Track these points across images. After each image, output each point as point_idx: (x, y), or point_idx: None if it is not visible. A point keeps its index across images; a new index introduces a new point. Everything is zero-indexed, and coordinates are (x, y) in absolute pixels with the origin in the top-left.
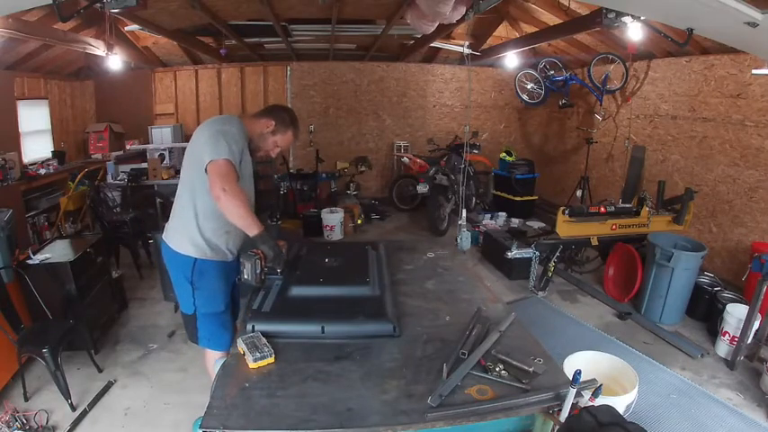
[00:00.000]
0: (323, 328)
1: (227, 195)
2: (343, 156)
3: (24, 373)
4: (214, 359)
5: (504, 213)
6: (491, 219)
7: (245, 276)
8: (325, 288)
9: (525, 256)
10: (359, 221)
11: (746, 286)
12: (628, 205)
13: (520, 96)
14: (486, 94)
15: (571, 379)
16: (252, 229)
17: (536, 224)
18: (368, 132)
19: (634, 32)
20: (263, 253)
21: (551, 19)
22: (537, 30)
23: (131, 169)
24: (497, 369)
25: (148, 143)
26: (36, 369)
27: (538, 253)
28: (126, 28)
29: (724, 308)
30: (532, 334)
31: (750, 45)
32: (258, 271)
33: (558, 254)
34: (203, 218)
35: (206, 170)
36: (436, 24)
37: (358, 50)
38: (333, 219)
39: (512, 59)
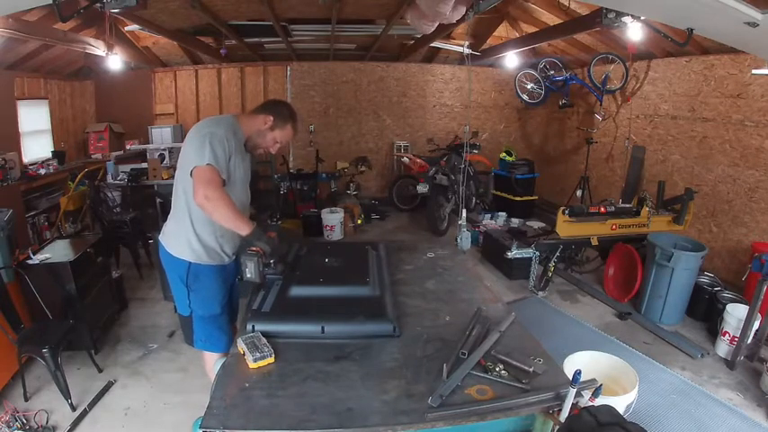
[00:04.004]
0: (323, 328)
1: (210, 202)
2: (343, 156)
3: (24, 373)
4: (212, 360)
5: (504, 213)
6: (491, 219)
7: (249, 275)
8: (325, 288)
9: (525, 256)
10: (359, 221)
11: (746, 286)
12: (628, 205)
13: (520, 96)
14: (486, 94)
15: (571, 379)
16: (242, 229)
17: (536, 224)
18: (368, 132)
19: (634, 32)
20: (261, 249)
21: (551, 19)
22: (537, 30)
23: (131, 169)
24: (497, 369)
25: (148, 143)
26: (36, 369)
27: (538, 253)
28: (126, 28)
29: (724, 308)
30: (532, 334)
31: (750, 45)
32: (261, 269)
33: (558, 254)
34: (198, 222)
35: (191, 173)
36: (436, 24)
37: (358, 50)
38: (333, 219)
39: (512, 59)
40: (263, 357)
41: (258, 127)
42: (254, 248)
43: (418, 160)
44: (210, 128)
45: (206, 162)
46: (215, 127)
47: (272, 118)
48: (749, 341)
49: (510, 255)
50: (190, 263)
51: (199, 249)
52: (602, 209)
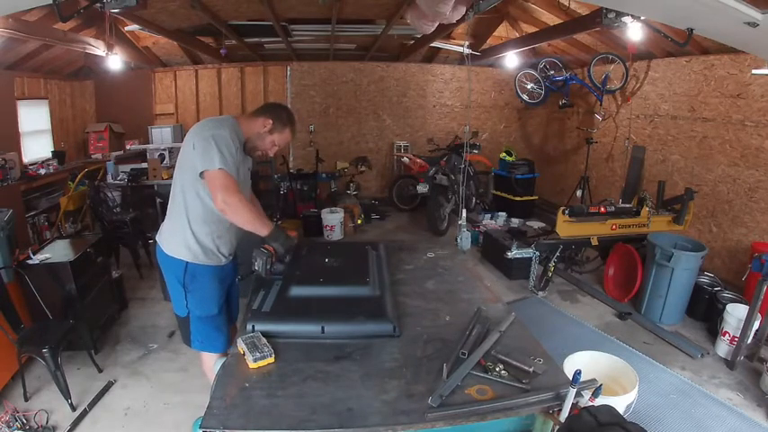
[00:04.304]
0: (323, 328)
1: (230, 207)
2: (343, 156)
3: (24, 373)
4: (210, 361)
5: (504, 213)
6: (491, 219)
7: (256, 269)
8: (326, 288)
9: (525, 256)
10: (359, 221)
11: (746, 286)
12: (628, 205)
13: (520, 96)
14: (486, 94)
15: (571, 379)
16: (261, 230)
17: (536, 224)
18: (368, 132)
19: (634, 32)
20: (274, 249)
21: (551, 19)
22: (537, 30)
23: (131, 169)
24: (497, 369)
25: (148, 143)
26: (36, 369)
27: (538, 253)
28: (126, 28)
29: (724, 308)
30: (532, 334)
31: (750, 45)
32: (269, 266)
33: (558, 254)
34: (195, 222)
35: (201, 176)
36: (436, 24)
37: (358, 50)
38: (333, 219)
39: (512, 59)
40: (263, 357)
41: (257, 129)
42: (267, 247)
43: (418, 160)
44: (214, 130)
45: (217, 166)
46: (219, 129)
47: (271, 121)
48: (749, 341)
49: (510, 255)
50: (187, 263)
51: (196, 249)
52: (602, 209)
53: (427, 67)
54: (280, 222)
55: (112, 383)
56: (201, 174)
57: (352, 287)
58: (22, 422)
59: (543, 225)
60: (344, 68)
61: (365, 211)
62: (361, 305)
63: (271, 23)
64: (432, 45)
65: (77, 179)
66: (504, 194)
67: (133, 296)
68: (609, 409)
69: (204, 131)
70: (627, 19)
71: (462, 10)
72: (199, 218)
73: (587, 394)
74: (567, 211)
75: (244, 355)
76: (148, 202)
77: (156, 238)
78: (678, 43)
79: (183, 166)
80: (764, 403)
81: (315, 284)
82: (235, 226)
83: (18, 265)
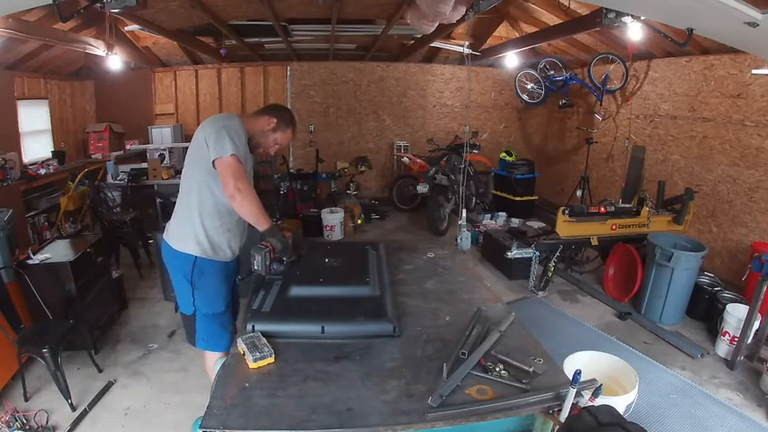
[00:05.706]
0: (323, 328)
1: (241, 195)
2: (343, 156)
3: (24, 373)
4: (213, 361)
5: (504, 213)
6: (491, 219)
7: (256, 267)
8: (326, 288)
9: (525, 256)
10: (359, 221)
11: (746, 286)
12: (628, 205)
13: (520, 96)
14: (486, 94)
15: (571, 379)
16: (262, 224)
17: (536, 224)
18: (368, 132)
19: (634, 32)
20: (272, 245)
21: (551, 19)
22: (537, 30)
23: (131, 169)
24: (497, 369)
25: (148, 143)
26: (36, 369)
27: (538, 253)
28: (126, 28)
29: (724, 308)
30: (532, 334)
31: (750, 45)
32: (268, 262)
33: (558, 254)
34: (206, 216)
35: (214, 166)
36: (436, 24)
37: (358, 50)
38: (333, 219)
39: (512, 59)
40: (263, 357)
41: (262, 127)
42: (264, 243)
43: (418, 160)
44: (224, 121)
45: (230, 153)
46: (228, 120)
47: (275, 120)
48: (749, 341)
49: (510, 255)
50: (195, 257)
51: (205, 244)
52: (602, 209)
53: (427, 67)
54: (279, 222)
55: (112, 383)
56: (214, 162)
57: (352, 287)
58: (22, 422)
59: (543, 225)
60: (344, 68)
61: (365, 211)
62: (361, 305)
63: (271, 23)
64: (432, 45)
65: (77, 179)
66: (504, 194)
67: (133, 296)
68: (609, 409)
69: (215, 124)
70: (627, 19)
71: (462, 10)
72: (209, 212)
73: (587, 394)
74: (567, 211)
75: (244, 355)
76: (148, 202)
77: (164, 237)
78: (678, 43)
79: (193, 163)
80: (764, 403)
81: (315, 284)
82: (243, 219)
83: (18, 265)
